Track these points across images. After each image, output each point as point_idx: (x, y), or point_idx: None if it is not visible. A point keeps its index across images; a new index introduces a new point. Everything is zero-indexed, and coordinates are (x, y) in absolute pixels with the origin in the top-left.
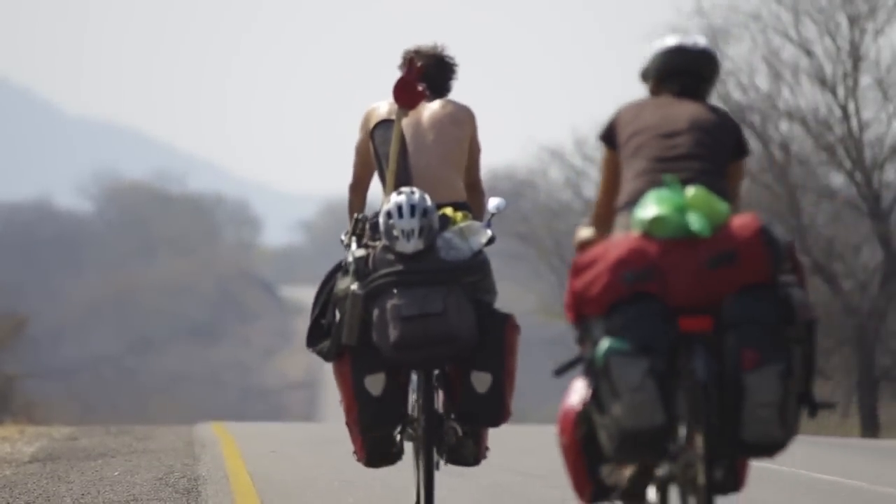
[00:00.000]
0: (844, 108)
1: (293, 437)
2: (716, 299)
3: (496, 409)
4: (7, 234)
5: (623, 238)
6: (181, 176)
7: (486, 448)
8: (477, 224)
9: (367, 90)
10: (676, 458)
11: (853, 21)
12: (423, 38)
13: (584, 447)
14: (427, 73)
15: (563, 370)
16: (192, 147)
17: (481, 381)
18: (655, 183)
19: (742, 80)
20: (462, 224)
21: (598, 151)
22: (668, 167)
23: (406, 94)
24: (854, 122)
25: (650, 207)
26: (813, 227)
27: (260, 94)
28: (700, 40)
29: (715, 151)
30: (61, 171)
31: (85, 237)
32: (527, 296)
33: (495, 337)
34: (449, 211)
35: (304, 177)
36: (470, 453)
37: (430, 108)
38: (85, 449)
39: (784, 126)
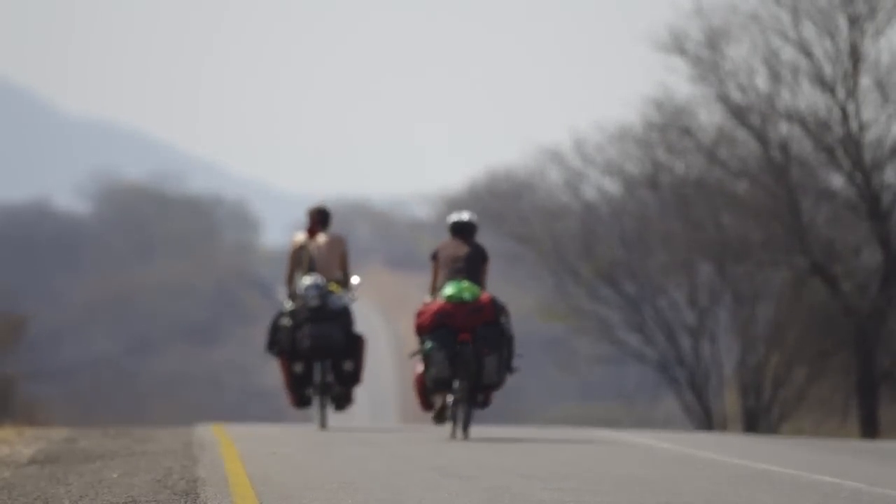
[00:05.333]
0: (844, 109)
1: (292, 439)
2: (473, 327)
3: (355, 378)
4: (5, 234)
5: (438, 302)
6: (180, 177)
7: (354, 399)
8: (345, 292)
9: (368, 90)
10: (457, 391)
11: (853, 22)
12: (421, 37)
13: (423, 387)
14: (320, 221)
15: (413, 354)
16: (191, 147)
17: (348, 365)
18: (452, 280)
19: (741, 80)
20: (338, 292)
21: (597, 152)
22: (457, 274)
23: (312, 231)
24: (854, 123)
25: (448, 289)
26: (813, 228)
27: (259, 94)
28: (469, 216)
29: (475, 266)
30: (60, 172)
31: (84, 238)
32: (525, 297)
33: (354, 346)
34: (332, 286)
35: (303, 177)
36: (344, 400)
37: (323, 236)
38: (83, 451)
39: (783, 127)
